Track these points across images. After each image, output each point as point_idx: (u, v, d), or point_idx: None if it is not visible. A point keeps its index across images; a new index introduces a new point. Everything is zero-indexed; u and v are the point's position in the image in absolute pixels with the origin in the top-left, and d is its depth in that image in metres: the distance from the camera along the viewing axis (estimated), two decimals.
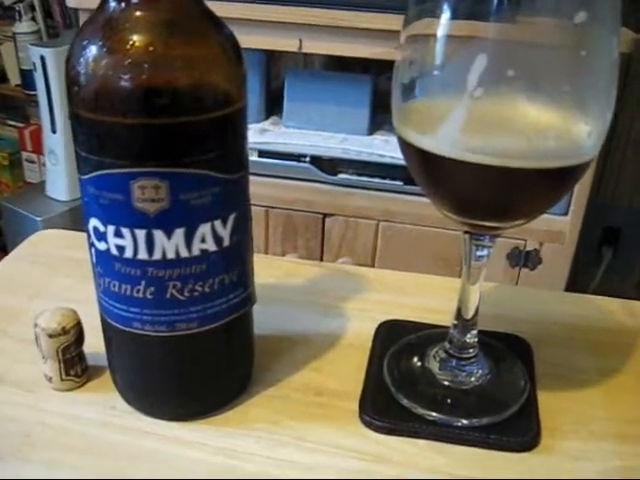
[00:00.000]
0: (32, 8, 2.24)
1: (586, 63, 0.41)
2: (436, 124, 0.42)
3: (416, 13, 0.43)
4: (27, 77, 2.15)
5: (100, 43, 0.39)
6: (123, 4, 0.39)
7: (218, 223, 0.43)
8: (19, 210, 2.01)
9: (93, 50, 0.39)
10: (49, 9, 2.25)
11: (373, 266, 1.46)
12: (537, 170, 0.41)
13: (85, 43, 0.39)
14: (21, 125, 2.38)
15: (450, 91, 0.42)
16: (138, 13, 0.39)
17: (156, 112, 0.39)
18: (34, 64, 1.88)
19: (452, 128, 0.41)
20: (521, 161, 0.41)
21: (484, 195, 0.44)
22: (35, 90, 1.96)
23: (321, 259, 1.47)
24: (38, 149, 2.23)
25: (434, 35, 0.41)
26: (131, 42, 0.38)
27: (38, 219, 1.94)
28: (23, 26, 2.21)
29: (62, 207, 1.97)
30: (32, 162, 2.33)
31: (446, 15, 0.41)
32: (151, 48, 0.38)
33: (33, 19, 2.23)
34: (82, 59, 0.39)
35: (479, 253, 0.48)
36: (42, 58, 1.84)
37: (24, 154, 2.34)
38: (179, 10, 0.40)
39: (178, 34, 0.40)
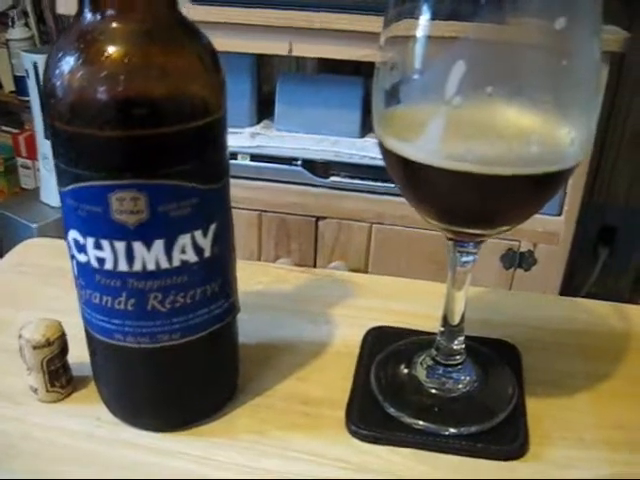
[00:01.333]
0: (25, 14, 2.23)
1: (567, 68, 0.40)
2: (417, 131, 0.42)
3: (395, 14, 0.42)
4: (21, 83, 2.15)
5: (76, 55, 0.39)
6: (98, 15, 0.39)
7: (198, 234, 0.42)
8: (14, 216, 2.01)
9: (69, 62, 0.39)
10: (42, 15, 2.25)
11: (366, 269, 1.45)
12: (519, 176, 0.41)
13: (61, 55, 0.39)
14: (16, 131, 2.38)
15: (431, 97, 0.42)
16: (113, 24, 0.39)
17: (133, 124, 0.38)
18: (27, 70, 1.88)
19: (433, 135, 0.41)
20: (503, 168, 0.40)
21: (466, 203, 0.44)
22: (29, 96, 1.96)
23: (314, 262, 1.47)
24: (33, 155, 2.23)
25: (413, 37, 0.41)
26: (106, 54, 0.38)
27: (33, 225, 1.95)
28: (16, 32, 2.21)
29: (57, 213, 1.97)
30: (27, 168, 2.33)
31: (425, 16, 0.40)
32: (127, 59, 0.38)
33: (26, 25, 2.23)
34: (58, 71, 0.39)
35: (464, 259, 0.48)
36: (35, 64, 1.85)
37: (19, 160, 2.34)
38: (155, 20, 0.39)
39: (154, 45, 0.39)
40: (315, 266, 1.44)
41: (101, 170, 0.39)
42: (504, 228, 0.45)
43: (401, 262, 1.43)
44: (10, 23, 2.20)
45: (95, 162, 0.39)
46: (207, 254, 0.43)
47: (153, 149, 0.39)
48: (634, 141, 1.81)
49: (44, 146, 1.97)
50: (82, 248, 0.42)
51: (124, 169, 0.39)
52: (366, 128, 1.50)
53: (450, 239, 0.47)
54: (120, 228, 0.40)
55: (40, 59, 1.85)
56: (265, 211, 1.45)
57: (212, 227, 0.43)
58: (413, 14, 0.41)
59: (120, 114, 0.38)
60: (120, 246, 0.41)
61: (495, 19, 0.39)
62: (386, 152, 0.44)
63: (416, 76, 0.42)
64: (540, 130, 0.41)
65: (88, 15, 0.39)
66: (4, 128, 2.45)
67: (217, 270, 0.45)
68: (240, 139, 1.47)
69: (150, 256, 0.41)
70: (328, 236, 1.45)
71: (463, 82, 0.39)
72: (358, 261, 1.45)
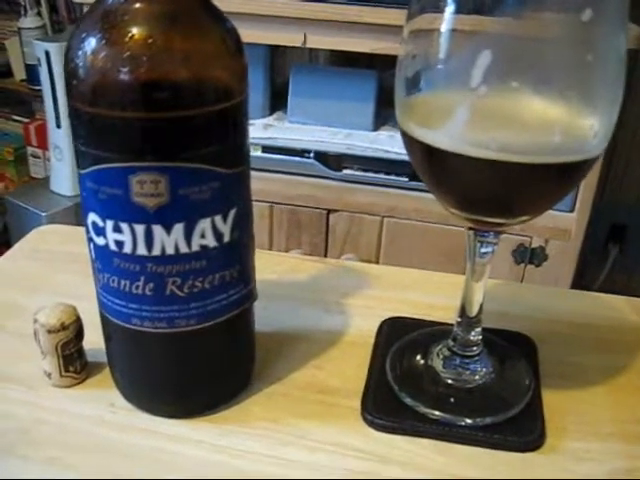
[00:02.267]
0: (37, 3, 2.23)
1: (592, 60, 0.40)
2: (440, 118, 0.42)
3: (419, 7, 0.42)
4: (32, 72, 2.14)
5: (99, 35, 0.38)
6: None
7: (218, 218, 0.42)
8: (24, 205, 2.01)
9: (92, 42, 0.38)
10: (54, 4, 2.25)
11: (377, 262, 1.45)
12: (541, 165, 0.41)
13: (84, 35, 0.39)
14: (26, 120, 2.38)
15: (454, 85, 0.41)
16: (137, 5, 0.38)
17: (155, 106, 0.38)
18: (39, 59, 1.88)
19: (456, 122, 0.41)
20: (525, 156, 0.40)
21: (488, 190, 0.43)
22: (40, 85, 1.96)
23: (325, 255, 1.47)
24: (43, 144, 2.23)
25: (437, 30, 0.40)
26: (130, 34, 0.38)
27: (43, 214, 1.95)
28: (28, 21, 2.20)
29: (67, 202, 1.98)
30: (37, 157, 2.33)
31: (450, 9, 0.40)
32: (150, 40, 0.38)
33: (38, 14, 2.23)
34: (80, 52, 0.39)
35: (483, 250, 0.48)
36: (47, 53, 1.84)
37: (29, 149, 2.34)
38: (179, 2, 0.39)
39: (178, 27, 0.39)
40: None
41: (123, 152, 0.39)
42: (525, 217, 0.45)
43: (412, 256, 1.42)
44: (22, 12, 2.20)
45: (117, 144, 0.39)
46: (226, 239, 0.43)
47: (175, 132, 0.39)
48: None
49: (55, 135, 1.97)
50: (101, 231, 0.42)
51: (146, 151, 0.39)
52: (379, 121, 1.50)
53: (471, 229, 0.47)
54: (140, 211, 0.40)
55: (52, 48, 1.84)
56: (277, 203, 1.45)
57: (232, 212, 0.43)
58: (437, 8, 0.40)
59: (143, 96, 0.38)
60: (139, 229, 0.41)
61: (520, 12, 0.39)
62: (408, 139, 0.44)
63: (440, 65, 0.41)
64: (564, 120, 0.41)
65: None
66: (15, 117, 2.45)
67: (236, 256, 0.45)
68: (253, 130, 1.45)
69: (169, 240, 0.41)
70: (339, 229, 1.44)
71: (488, 72, 0.39)
72: (369, 254, 1.45)
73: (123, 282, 0.43)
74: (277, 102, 1.57)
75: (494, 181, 0.42)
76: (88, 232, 0.44)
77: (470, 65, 0.39)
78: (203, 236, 0.42)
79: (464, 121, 0.41)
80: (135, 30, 0.38)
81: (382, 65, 1.46)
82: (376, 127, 1.50)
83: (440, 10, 0.40)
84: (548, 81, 0.40)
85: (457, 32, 0.40)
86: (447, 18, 0.40)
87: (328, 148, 1.44)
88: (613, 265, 1.94)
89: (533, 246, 1.38)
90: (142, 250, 0.42)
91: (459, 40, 0.41)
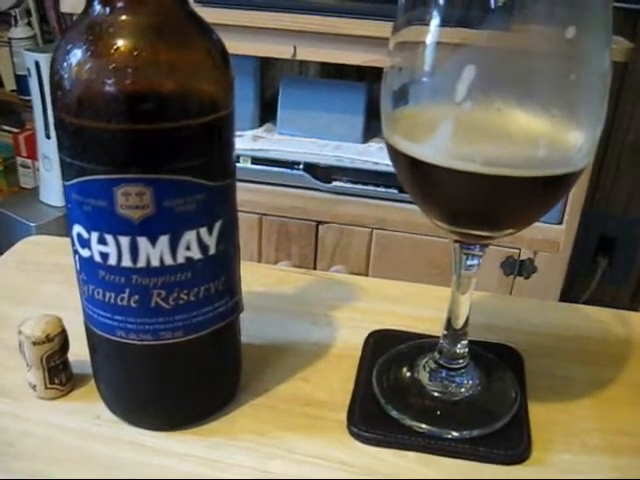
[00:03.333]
0: (28, 13, 2.23)
1: (576, 76, 0.40)
2: (426, 132, 0.42)
3: (405, 20, 0.42)
4: (22, 82, 2.15)
5: (84, 47, 0.38)
6: (108, 8, 0.38)
7: (204, 231, 0.42)
8: (13, 215, 2.01)
9: (77, 54, 0.38)
10: (45, 14, 2.25)
11: (367, 274, 1.45)
12: (527, 178, 0.41)
13: (69, 47, 0.39)
14: (16, 130, 2.38)
15: (440, 99, 0.42)
16: (123, 17, 0.38)
17: (140, 118, 0.38)
18: (29, 69, 1.88)
19: (441, 136, 0.41)
20: (511, 169, 0.40)
21: (473, 204, 0.43)
22: (30, 95, 1.96)
23: (314, 267, 1.47)
24: (33, 154, 2.23)
25: (423, 42, 0.41)
26: (115, 47, 0.38)
27: (32, 225, 1.95)
28: (18, 31, 2.21)
29: (56, 213, 1.98)
30: (27, 167, 2.33)
31: (435, 22, 0.40)
32: (135, 53, 0.38)
33: (29, 24, 2.23)
34: (65, 63, 0.39)
35: (469, 262, 0.48)
36: (37, 63, 1.85)
37: (19, 159, 2.34)
38: (165, 14, 0.39)
39: (163, 39, 0.39)
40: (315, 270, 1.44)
41: (107, 164, 0.39)
42: (510, 230, 0.45)
43: (401, 268, 1.42)
44: (13, 22, 2.20)
45: (101, 155, 0.39)
46: (212, 251, 0.43)
47: (160, 144, 0.39)
48: (635, 152, 1.81)
49: (44, 146, 1.97)
50: (86, 243, 0.42)
51: (131, 163, 0.39)
52: (369, 133, 1.50)
53: (456, 241, 0.47)
54: (125, 223, 0.40)
55: (42, 58, 1.85)
56: (266, 214, 1.45)
57: (217, 224, 0.43)
58: (423, 20, 0.40)
59: (128, 108, 0.38)
60: (124, 241, 0.41)
61: (505, 26, 0.39)
62: (394, 152, 0.44)
63: (425, 79, 0.41)
64: (548, 134, 0.41)
65: (97, 7, 0.39)
66: (4, 127, 2.45)
67: (221, 268, 0.45)
68: (242, 142, 1.47)
69: (154, 252, 0.41)
70: (329, 241, 1.44)
71: (473, 86, 0.39)
72: (358, 266, 1.45)
73: (108, 294, 0.43)
74: (267, 114, 1.58)
75: (479, 194, 0.42)
76: (73, 244, 0.44)
77: (455, 79, 0.39)
78: (188, 248, 0.42)
79: (449, 134, 0.41)
80: (120, 42, 0.38)
81: (372, 77, 1.47)
82: (366, 139, 1.50)
83: (426, 22, 0.40)
84: (532, 96, 0.40)
85: (442, 45, 0.40)
86: (432, 31, 0.40)
87: (317, 160, 1.45)
88: (602, 277, 1.94)
89: (522, 258, 1.38)
90: (127, 262, 0.41)
91: (444, 53, 0.41)
